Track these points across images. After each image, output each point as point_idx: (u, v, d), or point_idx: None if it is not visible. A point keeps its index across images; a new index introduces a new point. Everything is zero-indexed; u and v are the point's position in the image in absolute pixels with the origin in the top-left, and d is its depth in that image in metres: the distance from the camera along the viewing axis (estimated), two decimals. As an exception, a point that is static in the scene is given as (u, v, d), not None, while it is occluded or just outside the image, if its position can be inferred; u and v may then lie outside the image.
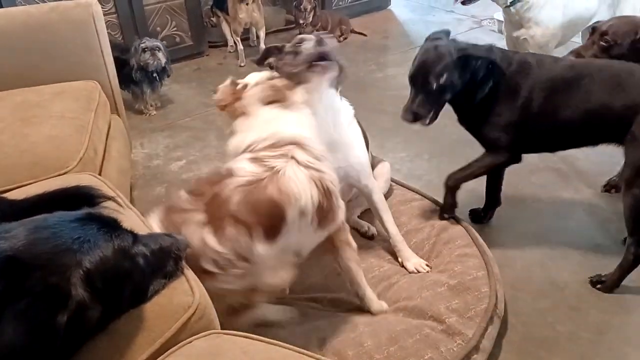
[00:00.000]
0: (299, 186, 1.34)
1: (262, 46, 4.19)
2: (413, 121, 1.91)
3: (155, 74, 3.46)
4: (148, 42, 3.40)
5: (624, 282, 2.02)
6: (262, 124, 1.51)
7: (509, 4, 2.78)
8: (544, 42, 2.84)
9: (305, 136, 1.49)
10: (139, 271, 1.00)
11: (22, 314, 0.81)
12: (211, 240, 1.26)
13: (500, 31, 4.05)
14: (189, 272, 1.15)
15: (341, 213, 1.55)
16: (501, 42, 3.13)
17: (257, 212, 1.29)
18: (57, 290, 0.85)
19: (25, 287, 0.83)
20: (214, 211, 1.29)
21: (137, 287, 1.01)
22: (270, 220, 1.31)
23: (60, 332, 0.83)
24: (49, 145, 1.83)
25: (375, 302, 1.75)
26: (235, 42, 4.32)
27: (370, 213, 2.10)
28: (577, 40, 3.42)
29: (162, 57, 3.42)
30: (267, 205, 1.30)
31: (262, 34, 4.29)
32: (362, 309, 1.77)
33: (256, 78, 1.65)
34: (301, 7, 4.46)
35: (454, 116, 3.44)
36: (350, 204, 2.16)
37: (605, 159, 2.84)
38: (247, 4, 4.07)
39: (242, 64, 4.22)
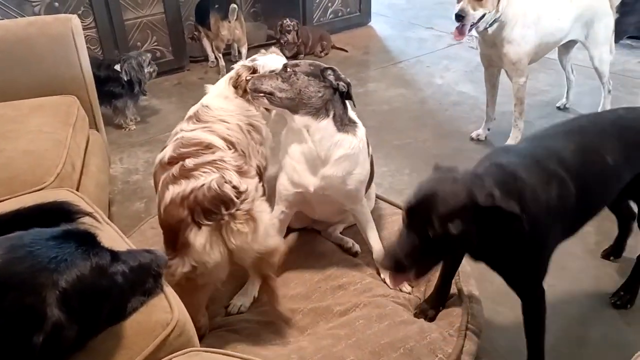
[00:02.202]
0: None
1: (224, 64, 4.18)
2: (394, 270, 1.38)
3: (143, 86, 3.51)
4: (145, 56, 3.51)
5: (603, 296, 2.05)
6: None
7: (483, 28, 2.83)
8: (516, 60, 2.90)
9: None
10: (118, 289, 0.98)
11: None
12: None
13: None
14: (168, 289, 1.14)
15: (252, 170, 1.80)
16: (479, 58, 3.19)
17: None
18: (33, 311, 0.83)
19: (0, 308, 0.81)
20: None
21: (115, 305, 1.00)
22: None
23: (35, 353, 0.81)
24: (25, 160, 1.80)
25: None
26: (216, 58, 4.32)
27: (353, 229, 2.10)
28: (554, 57, 3.50)
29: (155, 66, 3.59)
30: None
31: (244, 50, 4.29)
32: (343, 317, 1.77)
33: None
34: (287, 36, 4.52)
35: (434, 130, 3.49)
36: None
37: (582, 173, 2.89)
38: (229, 22, 4.08)
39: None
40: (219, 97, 1.91)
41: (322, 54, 4.68)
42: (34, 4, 3.60)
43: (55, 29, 2.29)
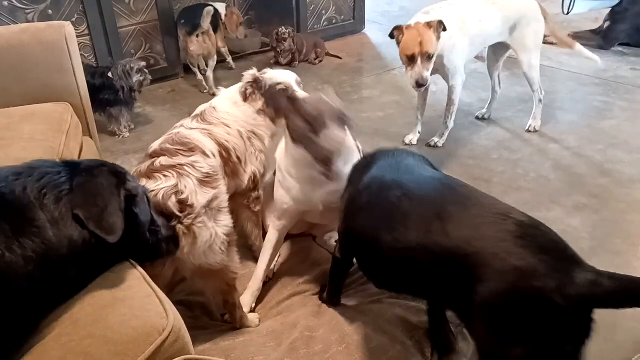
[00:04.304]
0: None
1: (209, 75, 4.05)
2: None
3: (134, 94, 3.48)
4: (138, 64, 3.46)
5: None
6: None
7: None
8: (451, 66, 3.01)
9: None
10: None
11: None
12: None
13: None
14: (162, 295, 1.13)
15: (244, 177, 1.90)
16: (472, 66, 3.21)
17: None
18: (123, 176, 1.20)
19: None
20: None
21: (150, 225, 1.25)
22: None
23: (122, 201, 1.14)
24: (18, 168, 1.79)
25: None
26: (194, 72, 4.14)
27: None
28: (545, 64, 3.51)
29: (149, 75, 3.50)
30: None
31: (211, 62, 4.06)
32: (333, 320, 1.78)
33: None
34: (284, 44, 4.50)
35: (428, 137, 3.50)
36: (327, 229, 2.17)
37: (575, 179, 2.90)
38: (197, 37, 3.89)
39: (205, 91, 4.13)
40: (228, 100, 1.95)
41: (317, 61, 4.69)
42: (27, 11, 3.59)
43: (48, 36, 2.28)
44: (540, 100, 3.33)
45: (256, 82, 1.94)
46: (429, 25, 2.70)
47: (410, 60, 2.73)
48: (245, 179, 1.92)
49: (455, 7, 2.95)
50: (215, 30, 4.06)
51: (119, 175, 1.18)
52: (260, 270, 1.92)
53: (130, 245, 1.17)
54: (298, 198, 1.82)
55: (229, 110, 1.91)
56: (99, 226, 1.07)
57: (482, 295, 1.14)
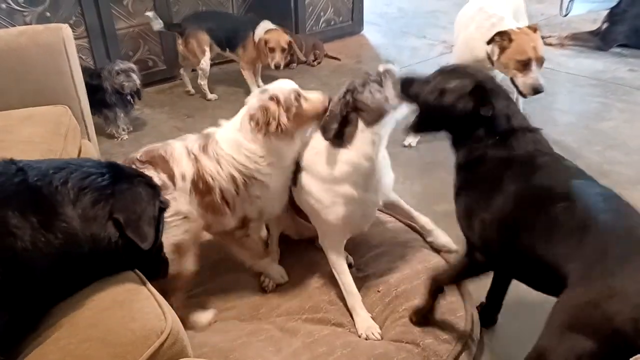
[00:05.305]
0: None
1: (199, 83, 3.98)
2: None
3: (129, 96, 3.44)
4: (122, 65, 3.40)
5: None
6: None
7: None
8: None
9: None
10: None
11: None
12: None
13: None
14: (161, 298, 1.13)
15: (229, 219, 1.83)
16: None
17: None
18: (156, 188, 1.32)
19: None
20: None
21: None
22: None
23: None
24: (16, 171, 1.79)
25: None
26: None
27: (348, 244, 2.04)
28: (550, 67, 3.52)
29: (136, 78, 3.41)
30: None
31: (199, 71, 3.94)
32: (339, 328, 1.77)
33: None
34: None
35: (427, 138, 3.50)
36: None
37: (574, 180, 2.90)
38: (178, 38, 3.93)
39: (191, 93, 4.14)
40: (231, 137, 1.78)
41: (315, 63, 4.69)
42: (24, 13, 3.59)
43: (46, 38, 2.28)
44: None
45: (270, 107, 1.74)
46: (533, 29, 2.67)
47: (524, 66, 2.61)
48: (232, 221, 1.84)
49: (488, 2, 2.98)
50: (231, 49, 4.01)
51: (154, 188, 1.29)
52: (351, 290, 1.84)
53: (142, 256, 1.21)
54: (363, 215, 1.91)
55: (229, 152, 1.75)
56: (135, 232, 1.15)
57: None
